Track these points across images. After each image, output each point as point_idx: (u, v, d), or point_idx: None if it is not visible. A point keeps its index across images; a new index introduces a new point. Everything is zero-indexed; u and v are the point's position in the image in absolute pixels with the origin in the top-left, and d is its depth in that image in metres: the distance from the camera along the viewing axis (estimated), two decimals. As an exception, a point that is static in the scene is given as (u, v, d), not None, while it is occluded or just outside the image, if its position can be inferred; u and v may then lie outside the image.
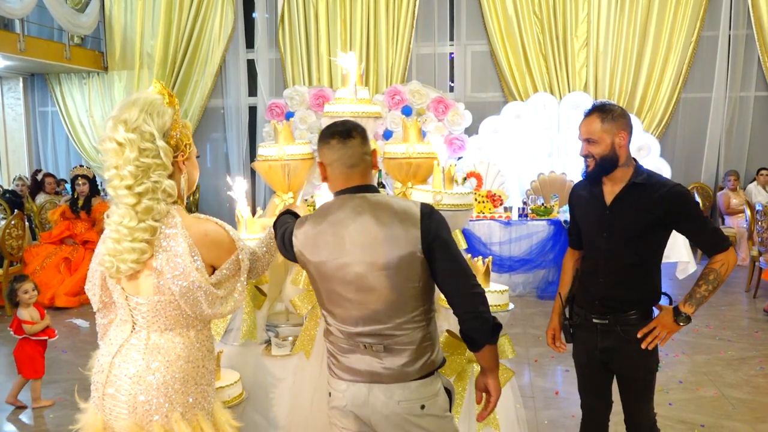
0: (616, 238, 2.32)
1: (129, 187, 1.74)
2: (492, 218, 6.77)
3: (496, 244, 6.68)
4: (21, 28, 8.52)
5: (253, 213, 2.83)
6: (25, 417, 3.99)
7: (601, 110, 2.31)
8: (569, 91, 8.49)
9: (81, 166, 7.54)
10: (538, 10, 8.56)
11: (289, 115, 8.95)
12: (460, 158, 8.31)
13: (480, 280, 2.43)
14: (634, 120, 7.89)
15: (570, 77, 8.62)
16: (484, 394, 1.91)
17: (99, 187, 7.24)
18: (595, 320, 2.38)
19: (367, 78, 9.16)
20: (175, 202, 1.83)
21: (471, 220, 6.76)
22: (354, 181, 1.88)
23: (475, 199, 6.99)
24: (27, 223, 6.96)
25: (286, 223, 2.01)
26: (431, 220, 1.82)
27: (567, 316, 2.53)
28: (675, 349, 4.88)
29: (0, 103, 10.61)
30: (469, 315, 1.81)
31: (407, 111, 8.58)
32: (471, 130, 8.50)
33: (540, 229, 6.65)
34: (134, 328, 1.84)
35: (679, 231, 2.29)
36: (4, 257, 6.06)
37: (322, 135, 1.90)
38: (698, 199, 7.33)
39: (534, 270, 6.62)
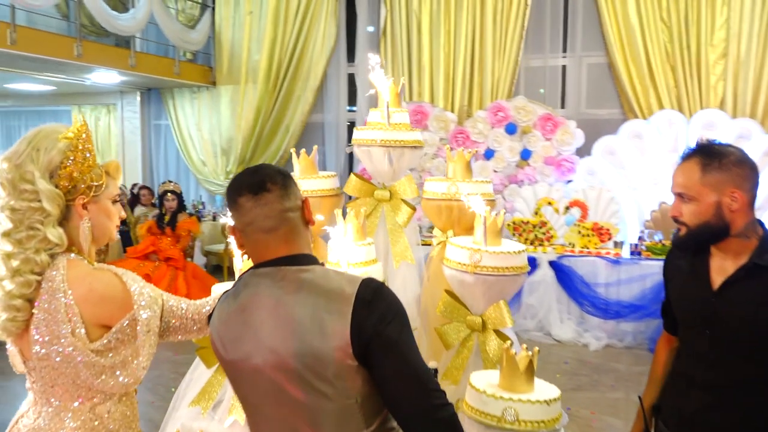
0: (724, 340, 1.58)
1: (6, 234, 1.54)
2: (598, 254, 5.91)
3: (602, 285, 5.80)
4: (132, 45, 8.80)
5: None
6: None
7: (705, 153, 1.58)
8: (701, 108, 7.34)
9: (170, 181, 7.58)
10: (666, 16, 7.48)
11: (386, 132, 8.56)
12: (569, 182, 7.48)
13: (519, 379, 1.78)
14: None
15: (703, 92, 7.46)
16: None
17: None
18: (681, 451, 1.65)
19: (471, 92, 8.57)
20: (71, 251, 1.59)
21: (572, 256, 5.95)
22: (276, 250, 1.37)
23: (579, 232, 6.15)
24: (118, 236, 7.04)
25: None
26: (371, 310, 1.27)
27: (648, 430, 1.82)
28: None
29: (120, 116, 11.15)
30: None
31: (511, 129, 7.87)
32: (583, 151, 7.61)
33: (655, 270, 5.66)
34: (35, 399, 1.62)
35: None
36: (85, 271, 6.10)
37: (229, 191, 1.41)
38: None
39: (646, 318, 5.65)
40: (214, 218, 9.19)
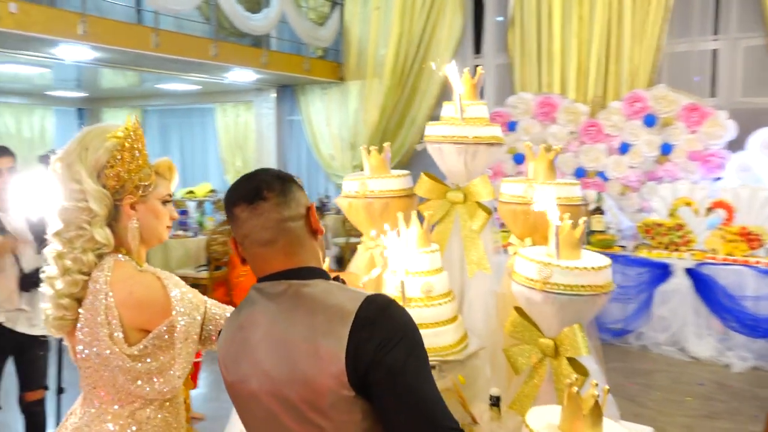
0: None
1: (57, 234, 1.55)
2: (745, 263, 5.17)
3: (750, 298, 5.08)
4: (266, 44, 9.16)
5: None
6: None
7: None
8: None
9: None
10: (844, -13, 6.40)
11: (511, 126, 8.17)
12: (718, 179, 6.66)
13: (583, 423, 1.48)
14: None
15: None
16: None
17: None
18: None
19: (605, 82, 7.93)
20: (119, 252, 1.58)
21: (714, 264, 5.27)
22: (275, 263, 1.23)
23: (723, 237, 5.42)
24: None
25: None
26: (372, 332, 1.09)
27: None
28: None
29: (256, 113, 11.70)
30: None
31: (650, 121, 7.18)
32: (736, 145, 6.76)
33: (818, 285, 4.87)
34: (83, 399, 1.62)
35: None
36: (210, 261, 6.41)
37: (225, 200, 1.28)
38: None
39: (805, 340, 4.87)
40: (338, 212, 9.34)
